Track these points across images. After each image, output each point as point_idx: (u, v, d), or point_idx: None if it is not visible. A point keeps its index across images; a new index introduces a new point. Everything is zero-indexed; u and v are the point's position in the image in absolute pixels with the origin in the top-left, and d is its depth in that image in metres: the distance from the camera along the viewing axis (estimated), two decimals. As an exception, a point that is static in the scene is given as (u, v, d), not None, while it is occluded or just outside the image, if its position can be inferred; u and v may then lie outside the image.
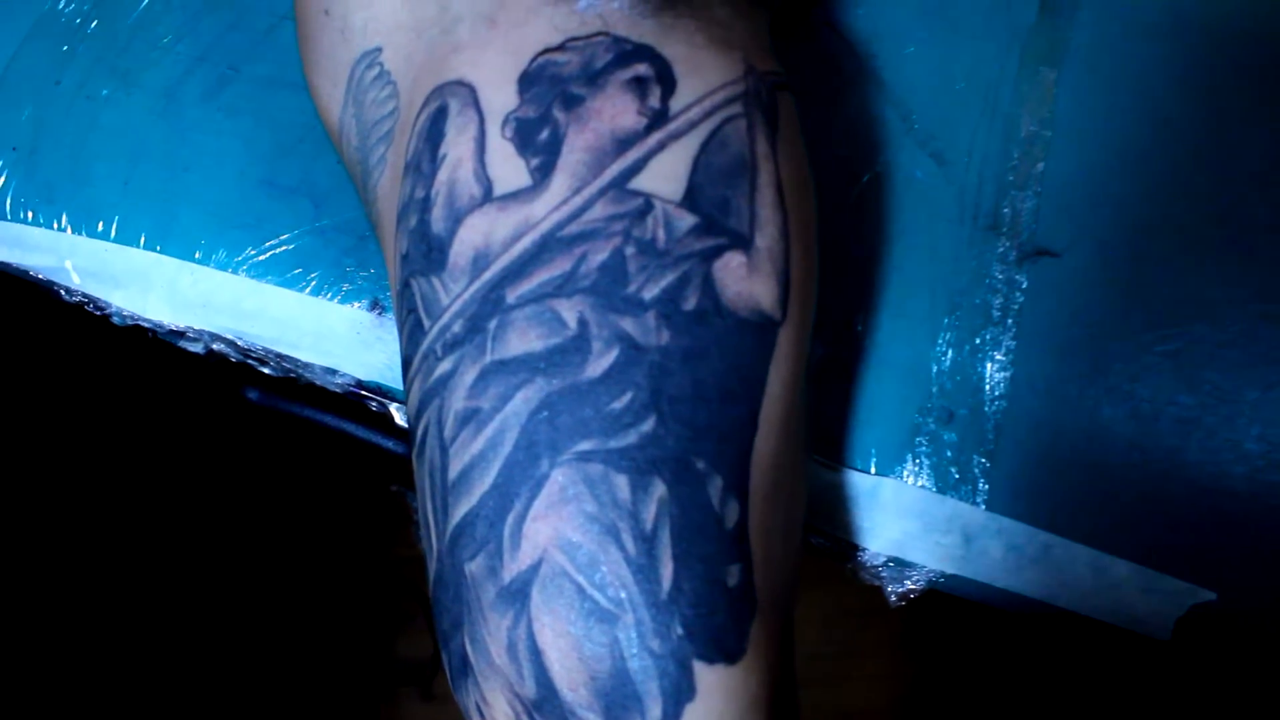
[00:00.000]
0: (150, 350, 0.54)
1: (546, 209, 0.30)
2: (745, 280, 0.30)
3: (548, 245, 0.30)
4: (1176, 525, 0.41)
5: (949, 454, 0.42)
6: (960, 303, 0.43)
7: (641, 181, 0.30)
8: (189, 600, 0.97)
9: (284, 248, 0.45)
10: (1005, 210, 0.45)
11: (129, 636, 0.90)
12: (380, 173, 0.35)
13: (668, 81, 0.31)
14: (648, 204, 0.30)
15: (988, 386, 0.42)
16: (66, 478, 0.83)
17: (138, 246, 0.46)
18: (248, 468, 1.03)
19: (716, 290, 0.30)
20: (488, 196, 0.31)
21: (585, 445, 0.29)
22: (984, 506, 0.42)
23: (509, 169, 0.31)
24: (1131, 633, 0.42)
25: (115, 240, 0.46)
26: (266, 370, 0.49)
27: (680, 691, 0.28)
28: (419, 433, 0.32)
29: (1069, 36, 0.47)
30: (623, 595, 0.28)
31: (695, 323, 0.30)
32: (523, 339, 0.30)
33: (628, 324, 0.29)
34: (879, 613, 1.08)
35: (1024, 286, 0.44)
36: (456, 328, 0.31)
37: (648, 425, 0.29)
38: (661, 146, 0.30)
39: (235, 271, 0.46)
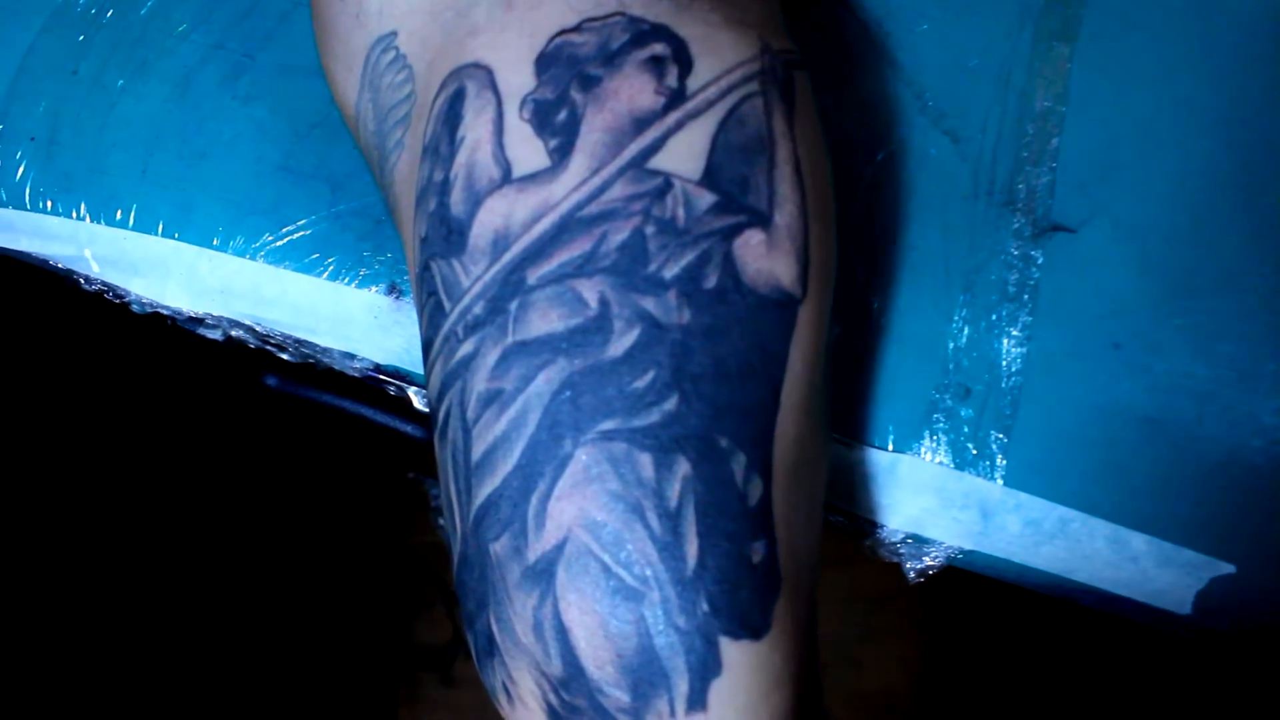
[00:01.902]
0: (170, 338, 0.55)
1: (566, 190, 0.30)
2: (765, 258, 0.30)
3: (567, 226, 0.30)
4: (1195, 498, 0.41)
5: (966, 430, 0.42)
6: (976, 279, 0.43)
7: (660, 161, 0.30)
8: (208, 587, 0.98)
9: (301, 233, 0.46)
10: (1020, 186, 0.45)
11: (147, 622, 0.91)
12: (397, 156, 0.36)
13: (684, 61, 0.31)
14: (667, 183, 0.30)
15: (1004, 362, 0.43)
16: (86, 466, 0.84)
17: (156, 234, 0.46)
18: (267, 455, 1.03)
19: (737, 268, 0.30)
20: (507, 178, 0.31)
21: (608, 424, 0.29)
22: (1001, 482, 0.42)
23: (528, 150, 0.31)
24: (1149, 613, 0.43)
25: (134, 228, 0.47)
26: (285, 356, 0.49)
27: (707, 667, 0.29)
28: (441, 415, 0.32)
29: (1082, 12, 0.47)
30: (648, 573, 0.29)
31: (716, 301, 0.30)
32: (544, 319, 0.30)
33: (649, 303, 0.29)
34: (898, 595, 1.08)
35: (1039, 262, 0.44)
36: (477, 309, 0.31)
37: (670, 404, 0.29)
38: (680, 126, 0.30)
39: (253, 258, 0.46)
